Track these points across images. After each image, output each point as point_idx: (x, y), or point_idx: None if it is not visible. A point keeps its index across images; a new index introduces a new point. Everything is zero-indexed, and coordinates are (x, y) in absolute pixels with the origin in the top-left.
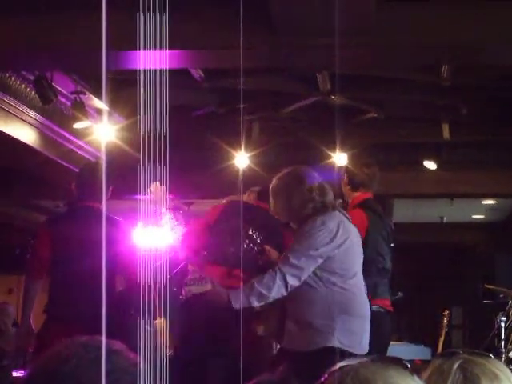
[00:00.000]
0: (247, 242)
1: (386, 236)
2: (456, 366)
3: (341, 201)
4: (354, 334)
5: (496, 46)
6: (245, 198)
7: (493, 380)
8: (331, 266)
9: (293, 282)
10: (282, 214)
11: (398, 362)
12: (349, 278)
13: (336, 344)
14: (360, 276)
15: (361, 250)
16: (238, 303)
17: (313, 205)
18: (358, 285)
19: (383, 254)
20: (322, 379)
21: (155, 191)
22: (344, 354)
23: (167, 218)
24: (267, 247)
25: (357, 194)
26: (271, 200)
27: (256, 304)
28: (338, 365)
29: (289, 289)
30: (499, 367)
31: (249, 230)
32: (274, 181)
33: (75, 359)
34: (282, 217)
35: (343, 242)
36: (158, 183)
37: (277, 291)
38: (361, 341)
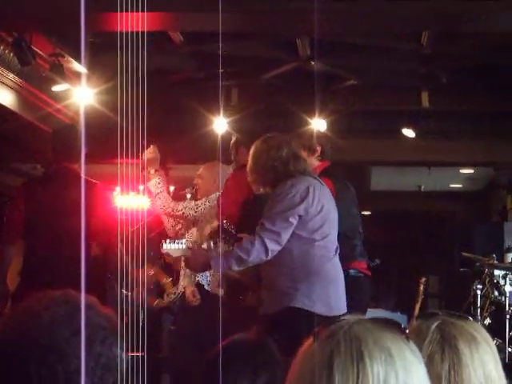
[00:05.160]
0: (223, 235)
1: (354, 199)
2: (434, 326)
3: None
4: (319, 296)
5: (481, 14)
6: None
7: (470, 341)
8: (300, 227)
9: (272, 246)
10: (252, 177)
11: (395, 326)
12: (318, 241)
13: (299, 305)
14: (331, 239)
15: (335, 213)
16: (218, 267)
17: (282, 170)
18: (327, 248)
19: (356, 216)
20: (317, 330)
21: (150, 152)
22: (310, 315)
23: (155, 180)
24: (242, 235)
25: (319, 163)
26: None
27: (236, 268)
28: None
29: (269, 253)
30: (477, 329)
31: (224, 224)
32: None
33: (48, 315)
34: (253, 179)
35: (314, 203)
36: (154, 146)
37: (256, 255)
38: (328, 303)
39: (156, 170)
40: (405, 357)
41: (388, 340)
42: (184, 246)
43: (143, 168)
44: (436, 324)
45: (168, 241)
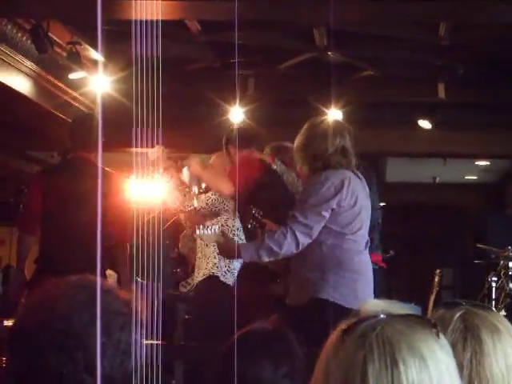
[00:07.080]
0: (251, 221)
1: (378, 191)
2: (457, 315)
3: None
4: (347, 289)
5: (495, 4)
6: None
7: (493, 332)
8: (332, 221)
9: (303, 239)
10: (301, 159)
11: (426, 323)
12: (348, 234)
13: (326, 296)
14: (362, 233)
15: (369, 207)
16: (248, 256)
17: (328, 159)
18: (358, 242)
19: (377, 208)
20: (347, 325)
21: (156, 153)
22: (336, 308)
23: (164, 180)
24: (266, 221)
25: None
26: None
27: (266, 259)
28: (365, 311)
29: (300, 247)
30: (500, 320)
31: (252, 210)
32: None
33: (66, 301)
34: (302, 161)
35: (348, 197)
36: (162, 147)
37: (287, 248)
38: (356, 297)
39: (165, 169)
40: (436, 357)
41: (420, 341)
42: (217, 232)
43: (149, 168)
44: (459, 313)
45: (201, 227)
